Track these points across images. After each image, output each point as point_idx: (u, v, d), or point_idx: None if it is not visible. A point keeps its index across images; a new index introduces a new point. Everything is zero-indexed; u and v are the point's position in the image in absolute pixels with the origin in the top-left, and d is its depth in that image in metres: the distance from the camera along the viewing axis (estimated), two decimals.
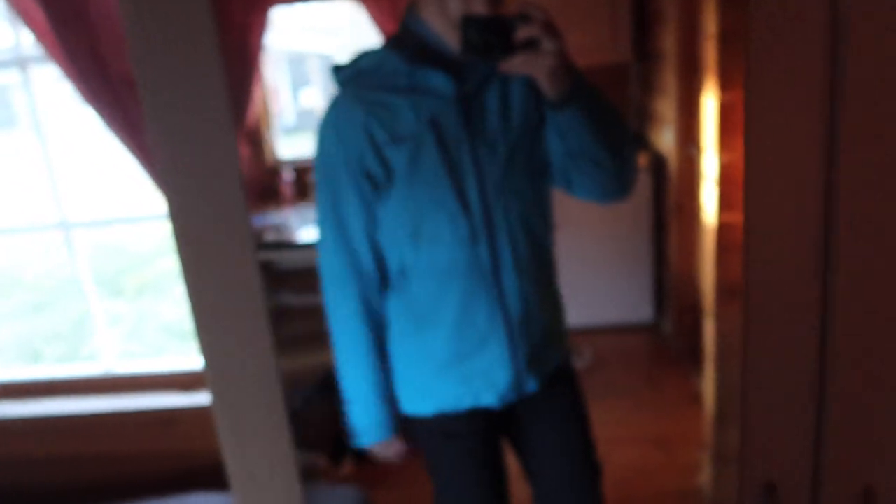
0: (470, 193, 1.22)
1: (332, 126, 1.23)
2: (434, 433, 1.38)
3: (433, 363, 1.32)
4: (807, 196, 0.69)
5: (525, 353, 1.32)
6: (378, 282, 1.32)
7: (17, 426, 1.88)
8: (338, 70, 1.26)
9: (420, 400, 1.36)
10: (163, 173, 0.80)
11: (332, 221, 1.28)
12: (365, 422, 1.36)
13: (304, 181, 3.80)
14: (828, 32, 0.64)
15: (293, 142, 6.06)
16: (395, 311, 1.34)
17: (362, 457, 2.58)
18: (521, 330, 1.30)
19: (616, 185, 1.26)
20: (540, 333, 1.34)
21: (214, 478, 1.70)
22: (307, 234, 3.30)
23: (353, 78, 1.25)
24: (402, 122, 1.20)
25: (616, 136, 1.20)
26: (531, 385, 1.35)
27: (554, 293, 1.42)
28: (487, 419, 1.38)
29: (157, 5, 0.70)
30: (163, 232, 7.67)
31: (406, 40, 1.23)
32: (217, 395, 0.91)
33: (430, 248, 1.25)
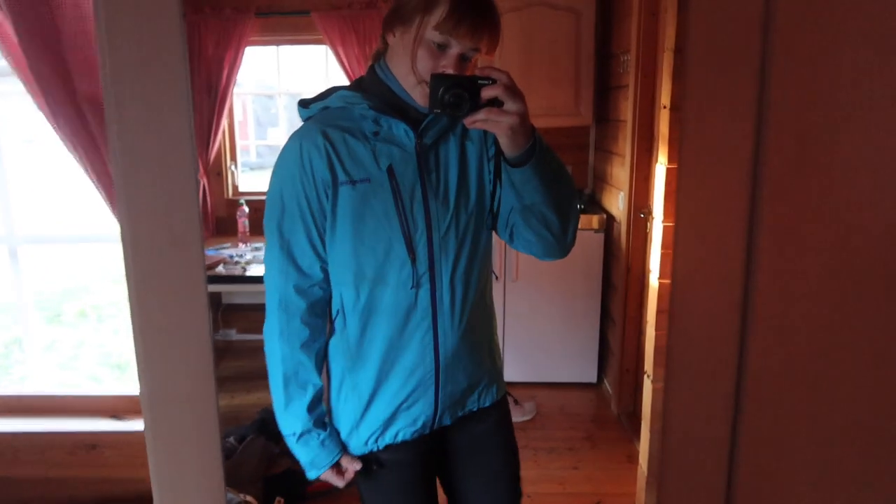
0: (418, 241, 1.26)
1: (296, 151, 1.24)
2: (366, 461, 1.38)
3: (360, 400, 1.33)
4: (729, 260, 0.73)
5: (447, 396, 1.35)
6: (321, 302, 1.33)
7: None
8: (305, 104, 1.30)
9: (352, 436, 1.37)
10: (120, 195, 0.79)
11: (278, 244, 1.28)
12: (309, 453, 1.33)
13: (260, 217, 3.78)
14: (755, 108, 0.69)
15: (255, 179, 6.03)
16: (332, 351, 1.37)
17: (293, 498, 2.53)
18: (447, 375, 1.33)
19: (557, 245, 1.31)
20: (465, 377, 1.37)
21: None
22: (258, 269, 3.28)
23: (318, 114, 1.28)
24: (362, 165, 1.23)
25: (565, 198, 1.25)
26: (446, 420, 1.38)
27: (488, 339, 1.43)
28: (412, 445, 1.38)
29: (132, 35, 0.71)
30: (107, 258, 7.50)
31: (373, 87, 1.27)
32: (152, 422, 0.89)
33: (373, 289, 1.27)
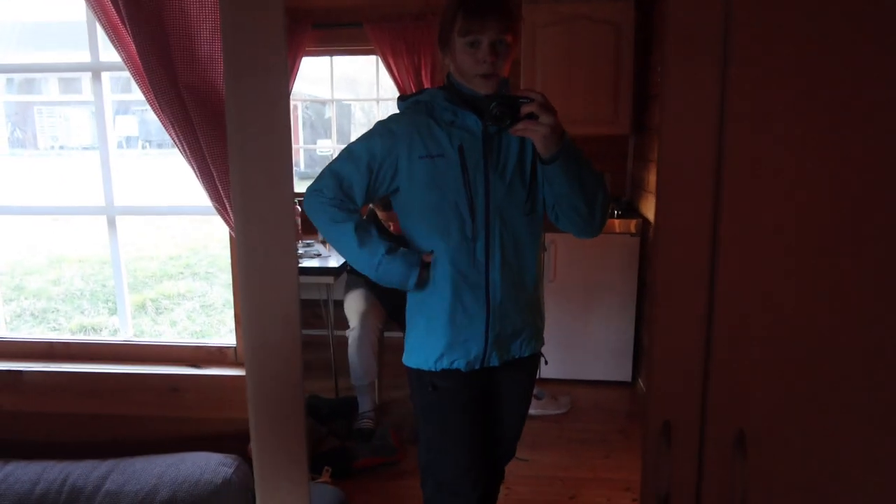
0: (478, 204, 1.58)
1: (389, 123, 1.62)
2: (424, 381, 1.70)
3: (429, 325, 1.66)
4: (700, 216, 0.89)
5: (495, 337, 1.65)
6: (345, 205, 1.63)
7: (46, 383, 2.09)
8: (402, 98, 1.69)
9: (416, 353, 1.71)
10: (235, 198, 1.00)
11: (337, 163, 1.62)
12: (402, 263, 1.61)
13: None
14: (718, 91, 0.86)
15: (303, 187, 6.34)
16: None
17: (340, 475, 2.72)
18: (495, 317, 1.64)
19: (587, 225, 1.62)
20: (511, 325, 1.68)
21: (211, 441, 1.93)
22: (308, 262, 3.49)
23: (412, 105, 1.65)
24: (439, 144, 1.59)
25: (589, 189, 1.55)
26: (494, 361, 1.69)
27: (533, 298, 1.73)
28: (465, 377, 1.69)
29: (247, 47, 0.92)
30: (166, 256, 7.87)
31: (451, 89, 1.63)
32: (251, 372, 1.09)
33: (442, 239, 1.60)
